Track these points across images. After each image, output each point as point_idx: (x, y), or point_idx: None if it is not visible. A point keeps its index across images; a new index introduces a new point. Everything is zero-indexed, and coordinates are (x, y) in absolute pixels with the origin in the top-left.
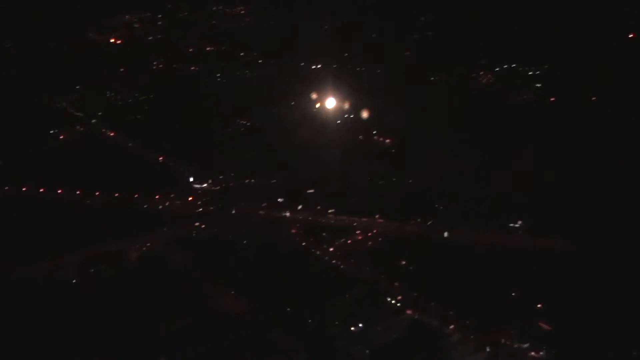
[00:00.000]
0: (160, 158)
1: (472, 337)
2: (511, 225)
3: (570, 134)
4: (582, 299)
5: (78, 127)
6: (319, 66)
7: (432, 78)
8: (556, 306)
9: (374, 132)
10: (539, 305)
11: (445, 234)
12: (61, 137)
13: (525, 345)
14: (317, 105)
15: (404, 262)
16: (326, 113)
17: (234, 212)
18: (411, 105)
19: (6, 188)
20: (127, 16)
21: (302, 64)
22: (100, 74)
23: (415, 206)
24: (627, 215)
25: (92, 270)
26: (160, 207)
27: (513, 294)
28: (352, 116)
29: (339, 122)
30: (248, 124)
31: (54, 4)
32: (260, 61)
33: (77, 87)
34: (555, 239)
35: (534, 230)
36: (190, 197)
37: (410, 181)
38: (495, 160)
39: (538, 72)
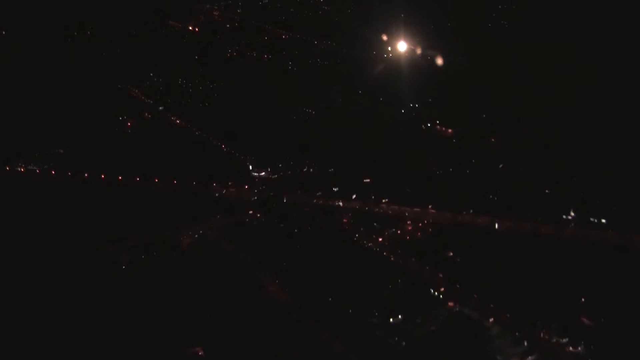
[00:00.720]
0: (223, 146)
1: (511, 330)
2: (564, 217)
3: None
4: (628, 297)
5: (146, 114)
6: (390, 55)
7: (501, 70)
8: (600, 302)
9: (437, 121)
10: (582, 300)
11: (496, 225)
12: (128, 124)
13: (564, 340)
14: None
15: (451, 254)
16: (391, 102)
17: (287, 200)
18: (476, 95)
19: (69, 173)
20: (207, 4)
21: (374, 52)
22: (175, 62)
23: (470, 197)
24: None
25: (143, 256)
26: (217, 194)
27: (557, 288)
28: (417, 105)
29: (403, 111)
30: (313, 112)
31: None
32: (333, 50)
33: (151, 74)
34: (608, 233)
35: (586, 223)
36: (246, 185)
37: (467, 171)
38: (556, 153)
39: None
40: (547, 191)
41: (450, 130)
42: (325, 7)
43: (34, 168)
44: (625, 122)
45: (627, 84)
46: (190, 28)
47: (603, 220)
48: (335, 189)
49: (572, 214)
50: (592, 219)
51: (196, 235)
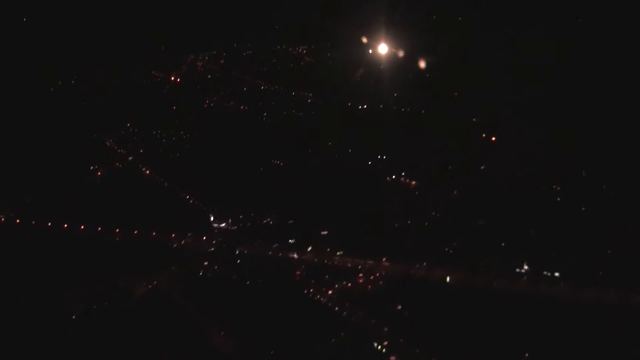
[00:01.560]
0: (187, 197)
1: None
2: (517, 270)
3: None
4: (574, 353)
5: (117, 164)
6: (364, 106)
7: (474, 122)
8: (544, 358)
9: (403, 173)
10: (526, 355)
11: (448, 279)
12: (98, 173)
13: None
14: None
15: (399, 307)
16: (360, 154)
17: (242, 252)
18: (444, 147)
19: (32, 222)
20: (192, 55)
21: (349, 103)
22: (153, 112)
23: (426, 250)
24: None
25: (95, 306)
26: (175, 245)
27: (503, 342)
28: (384, 157)
29: (370, 163)
30: (281, 164)
31: (124, 43)
32: (309, 101)
33: (128, 124)
34: (560, 287)
35: (539, 276)
36: (204, 236)
37: (426, 224)
38: (514, 206)
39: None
40: (502, 244)
41: (413, 182)
42: (308, 59)
43: (0, 217)
44: (582, 180)
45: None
46: (172, 78)
47: (556, 274)
48: (291, 241)
49: (526, 267)
50: (545, 273)
51: (149, 286)
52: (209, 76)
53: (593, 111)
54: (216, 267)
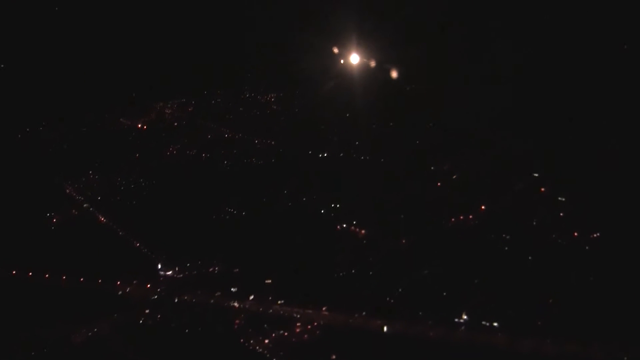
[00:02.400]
0: (138, 244)
1: None
2: (456, 320)
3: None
4: None
5: (74, 211)
6: (325, 154)
7: (432, 169)
8: None
9: (354, 222)
10: None
11: (385, 328)
12: (54, 220)
13: None
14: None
15: (334, 357)
16: (313, 202)
17: (184, 300)
18: (399, 197)
19: None
20: (161, 103)
21: (310, 152)
22: (116, 160)
23: (367, 299)
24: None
25: (33, 353)
26: (120, 292)
27: None
28: (337, 206)
29: (322, 211)
30: (235, 212)
31: (95, 89)
32: (271, 149)
33: (90, 171)
34: (497, 337)
35: (478, 326)
36: (149, 284)
37: (370, 273)
38: (457, 257)
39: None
40: (444, 294)
41: (363, 231)
42: (275, 107)
43: None
44: (526, 229)
45: None
46: (139, 126)
47: (495, 324)
48: (233, 290)
49: (465, 317)
50: (484, 322)
51: (90, 334)
52: (175, 124)
53: (543, 161)
54: (158, 316)
